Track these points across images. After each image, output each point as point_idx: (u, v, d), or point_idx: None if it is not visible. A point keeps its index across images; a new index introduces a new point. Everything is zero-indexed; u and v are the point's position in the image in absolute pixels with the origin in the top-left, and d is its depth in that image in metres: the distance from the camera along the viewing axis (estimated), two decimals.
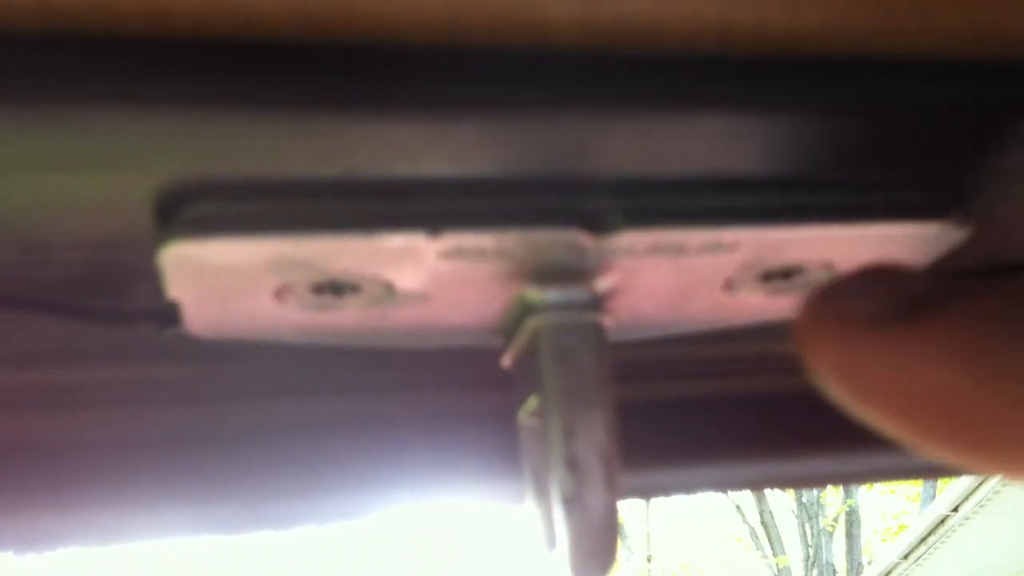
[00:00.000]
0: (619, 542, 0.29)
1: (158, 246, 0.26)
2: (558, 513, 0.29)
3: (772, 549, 9.07)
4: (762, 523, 9.07)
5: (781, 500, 9.04)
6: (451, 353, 0.35)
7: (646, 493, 0.46)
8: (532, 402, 0.31)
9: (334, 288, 0.29)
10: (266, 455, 0.40)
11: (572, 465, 0.29)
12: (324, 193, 0.26)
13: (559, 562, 0.29)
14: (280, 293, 0.29)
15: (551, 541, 0.30)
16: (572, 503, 0.29)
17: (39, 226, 0.27)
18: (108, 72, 0.21)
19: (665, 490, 0.46)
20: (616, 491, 0.29)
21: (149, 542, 0.40)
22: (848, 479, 0.52)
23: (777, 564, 9.05)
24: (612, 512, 0.29)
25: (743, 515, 9.22)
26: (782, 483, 0.48)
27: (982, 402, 0.20)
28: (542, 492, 0.31)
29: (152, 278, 0.28)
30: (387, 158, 0.24)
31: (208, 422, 0.40)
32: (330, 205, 0.26)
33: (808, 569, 8.91)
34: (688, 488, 0.46)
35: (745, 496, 9.05)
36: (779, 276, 0.32)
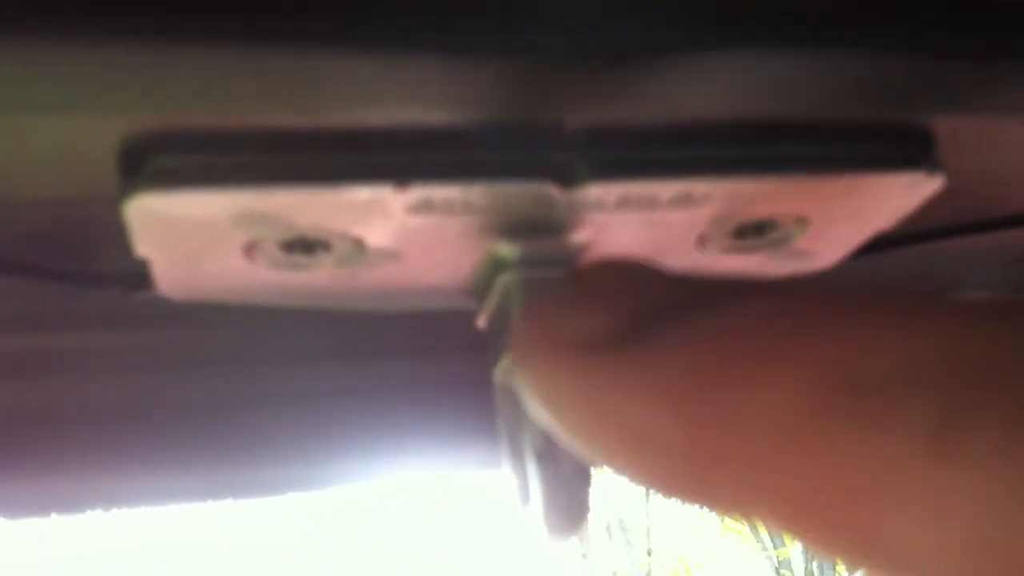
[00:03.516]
0: (590, 497, 0.29)
1: (123, 200, 0.26)
2: (531, 468, 0.29)
3: (772, 542, 9.08)
4: None
5: None
6: (427, 317, 0.35)
7: None
8: (506, 360, 0.31)
9: (304, 245, 0.29)
10: (242, 422, 0.40)
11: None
12: (289, 145, 0.26)
13: (532, 517, 0.29)
14: (249, 250, 0.29)
15: (525, 497, 0.30)
16: (544, 458, 0.29)
17: (2, 183, 0.27)
18: (60, 7, 0.21)
19: None
20: None
21: (119, 509, 0.40)
22: None
23: (777, 557, 9.07)
24: (584, 467, 0.29)
25: None
26: None
27: (682, 450, 0.18)
28: (516, 449, 0.31)
29: (121, 240, 0.28)
30: (346, 99, 0.24)
31: (181, 389, 0.40)
32: (296, 157, 0.26)
33: (808, 561, 8.93)
34: None
35: None
36: (752, 232, 0.31)
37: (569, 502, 0.29)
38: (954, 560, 0.15)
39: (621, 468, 0.19)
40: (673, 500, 0.19)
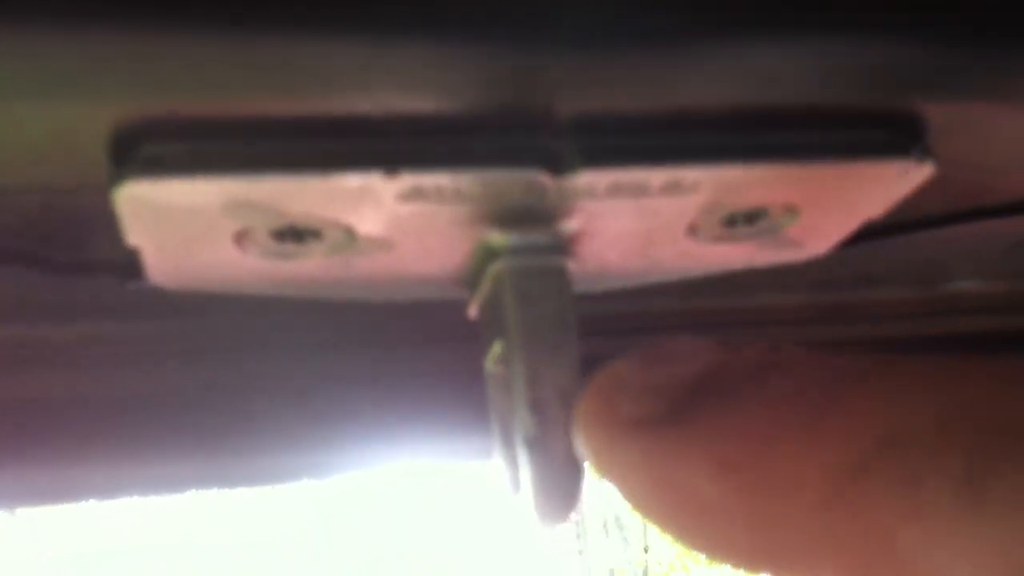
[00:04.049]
0: (582, 485, 0.29)
1: (113, 187, 0.26)
2: (522, 455, 0.29)
3: None
4: None
5: None
6: (418, 306, 0.35)
7: None
8: (497, 349, 0.31)
9: (295, 234, 0.29)
10: (236, 412, 0.40)
11: (535, 407, 0.29)
12: (280, 132, 0.26)
13: (524, 505, 0.29)
14: (240, 239, 0.29)
15: (516, 485, 0.30)
16: (535, 445, 0.29)
17: None
18: None
19: None
20: None
21: (115, 499, 0.40)
22: None
23: None
24: (575, 454, 0.29)
25: None
26: None
27: (738, 517, 0.19)
28: (507, 437, 0.31)
29: (112, 229, 0.28)
30: (335, 84, 0.24)
31: (176, 378, 0.40)
32: (286, 144, 0.26)
33: None
34: None
35: None
36: (743, 221, 0.31)
37: (560, 490, 0.29)
38: None
39: (686, 537, 0.21)
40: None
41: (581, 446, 0.22)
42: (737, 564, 0.20)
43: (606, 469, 0.22)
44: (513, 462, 0.30)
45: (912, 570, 0.17)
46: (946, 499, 0.16)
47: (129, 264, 0.31)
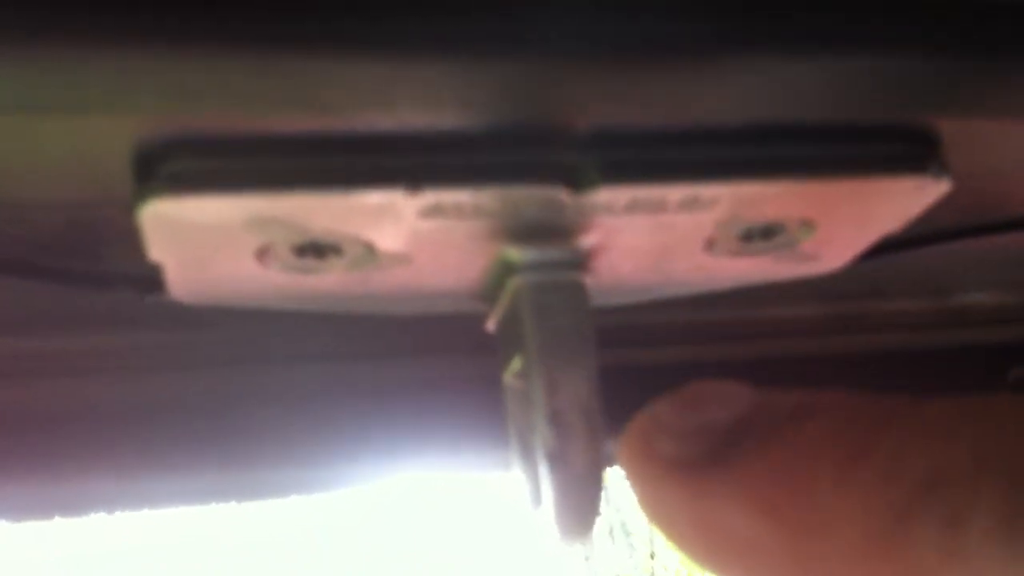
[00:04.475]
0: (602, 498, 0.29)
1: (136, 204, 0.26)
2: (542, 469, 0.29)
3: None
4: None
5: None
6: (436, 320, 0.35)
7: None
8: (516, 363, 0.31)
9: (316, 249, 0.29)
10: (247, 424, 0.41)
11: (555, 420, 0.29)
12: (303, 149, 0.26)
13: (544, 519, 0.29)
14: (262, 255, 0.29)
15: (536, 499, 0.30)
16: (555, 458, 0.29)
17: (15, 185, 0.27)
18: (75, 9, 0.22)
19: None
20: (600, 446, 0.29)
21: (130, 511, 0.41)
22: None
23: None
24: (596, 467, 0.29)
25: None
26: None
27: (779, 557, 0.20)
28: (527, 451, 0.31)
29: (132, 242, 0.28)
30: (357, 101, 0.24)
31: (186, 390, 0.40)
32: (308, 162, 0.26)
33: None
34: None
35: None
36: (760, 235, 0.32)
37: (581, 504, 0.29)
38: None
39: (720, 572, 0.21)
40: None
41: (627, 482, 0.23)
42: None
43: (649, 509, 0.22)
44: (533, 476, 0.30)
45: None
46: (986, 539, 0.17)
47: (148, 278, 0.31)
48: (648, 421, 0.23)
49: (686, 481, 0.21)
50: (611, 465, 0.34)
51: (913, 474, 0.18)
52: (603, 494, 0.29)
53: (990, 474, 0.17)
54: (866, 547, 0.18)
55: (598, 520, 0.30)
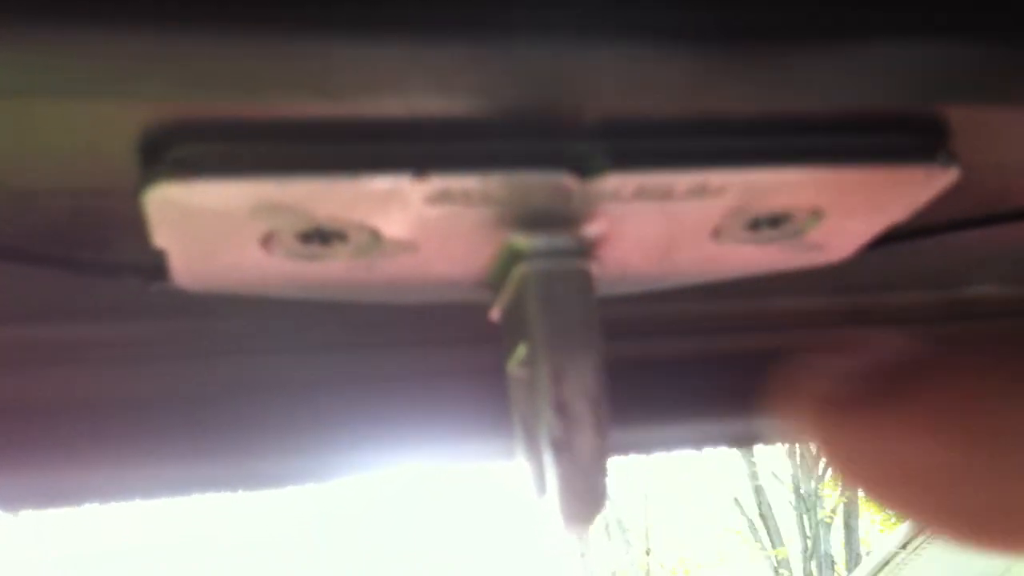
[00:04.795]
0: (607, 487, 0.29)
1: (142, 189, 0.26)
2: (547, 458, 0.29)
3: (771, 541, 9.08)
4: (760, 515, 9.07)
5: (779, 492, 9.05)
6: (440, 309, 0.35)
7: (631, 450, 0.46)
8: (521, 351, 0.31)
9: (321, 236, 0.29)
10: (249, 414, 0.40)
11: (560, 409, 0.29)
12: (310, 135, 0.26)
13: (549, 508, 0.29)
14: (267, 241, 0.29)
15: (541, 488, 0.30)
16: (561, 447, 0.29)
17: (22, 171, 0.27)
18: None
19: (651, 447, 0.46)
20: (605, 435, 0.29)
21: (134, 501, 0.40)
22: None
23: (776, 556, 9.06)
24: (601, 455, 0.29)
25: (741, 508, 9.22)
26: (768, 439, 0.48)
27: (963, 479, 0.21)
28: (532, 440, 0.31)
29: (138, 230, 0.28)
30: (370, 84, 0.24)
31: (188, 380, 0.40)
32: (315, 147, 0.26)
33: (807, 561, 8.92)
34: (673, 445, 0.47)
35: (743, 489, 9.06)
36: (767, 224, 0.32)
37: (586, 493, 0.29)
38: None
39: (901, 506, 0.22)
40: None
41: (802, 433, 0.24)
42: (960, 533, 0.22)
43: (829, 451, 0.24)
44: (538, 465, 0.30)
45: None
46: None
47: (153, 266, 0.31)
48: (820, 368, 0.25)
49: (857, 418, 0.23)
50: (615, 455, 0.34)
51: None
52: (609, 482, 0.29)
53: None
54: None
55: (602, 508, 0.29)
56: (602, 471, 0.29)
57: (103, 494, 0.42)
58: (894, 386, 0.23)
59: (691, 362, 0.45)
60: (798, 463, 8.70)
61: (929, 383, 0.22)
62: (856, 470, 0.23)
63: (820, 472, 8.70)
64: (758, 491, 9.06)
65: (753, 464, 8.75)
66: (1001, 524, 0.21)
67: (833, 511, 8.84)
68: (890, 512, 0.23)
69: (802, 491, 8.88)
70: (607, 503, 0.30)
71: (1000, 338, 0.23)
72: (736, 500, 9.34)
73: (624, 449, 0.46)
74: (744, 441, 0.47)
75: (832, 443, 0.23)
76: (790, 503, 9.16)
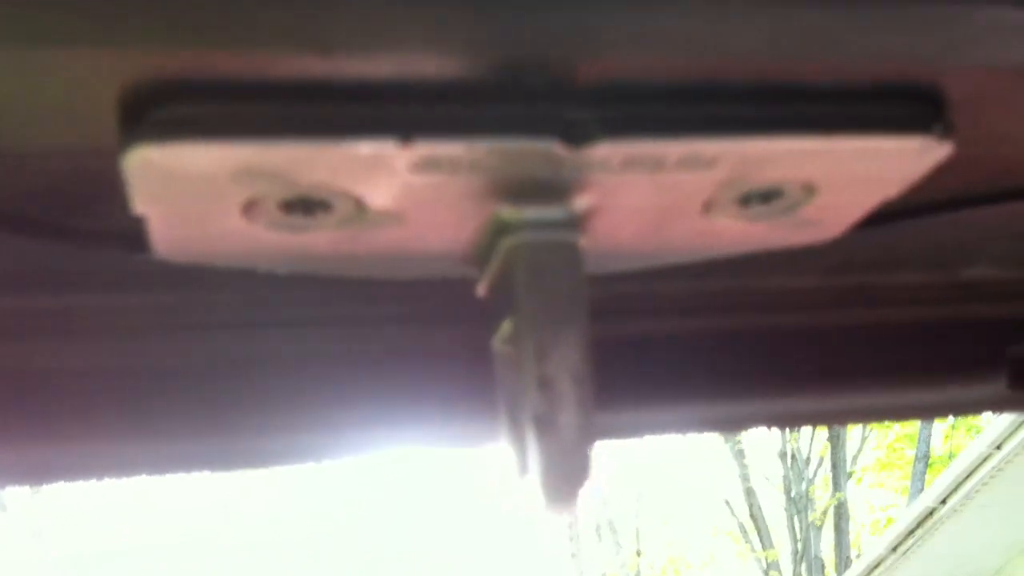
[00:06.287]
0: (592, 466, 0.28)
1: (123, 151, 0.25)
2: (530, 436, 0.28)
3: (761, 543, 9.09)
4: (751, 517, 9.09)
5: (770, 495, 9.06)
6: (425, 287, 0.34)
7: (620, 433, 0.46)
8: (506, 327, 0.30)
9: (304, 205, 0.29)
10: (235, 389, 0.40)
11: (544, 385, 0.28)
12: (293, 98, 0.25)
13: (532, 486, 0.29)
14: (249, 209, 0.28)
15: (523, 467, 0.29)
16: (544, 424, 0.28)
17: (11, 132, 0.26)
18: None
19: (640, 430, 0.45)
20: (589, 413, 0.28)
21: (119, 478, 0.40)
22: (831, 419, 0.52)
23: (766, 558, 9.08)
24: (585, 432, 0.28)
25: (732, 510, 9.24)
26: (762, 422, 0.47)
27: None
28: (515, 418, 0.30)
29: (122, 200, 0.27)
30: (362, 36, 0.24)
31: (176, 353, 0.39)
32: (299, 110, 0.26)
33: (796, 563, 8.93)
34: (665, 428, 0.46)
35: (734, 491, 9.07)
36: (758, 199, 0.31)
37: (568, 472, 0.28)
38: None
39: None
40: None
41: None
42: None
43: None
44: (521, 443, 0.29)
45: None
46: None
47: (136, 235, 0.30)
48: None
49: None
50: (602, 437, 0.34)
51: None
52: (594, 458, 0.28)
53: None
54: None
55: (584, 517, 0.29)
56: (586, 451, 0.28)
57: (95, 471, 0.41)
58: None
59: (685, 342, 0.44)
60: (789, 466, 8.70)
61: None
62: None
63: (811, 475, 8.70)
64: (749, 493, 9.07)
65: (744, 466, 8.75)
66: None
67: (823, 514, 8.86)
68: None
69: (793, 494, 8.89)
70: (599, 504, 0.29)
71: None
72: (727, 502, 9.35)
73: (613, 433, 0.45)
74: (739, 424, 0.46)
75: None
76: (780, 506, 9.17)
